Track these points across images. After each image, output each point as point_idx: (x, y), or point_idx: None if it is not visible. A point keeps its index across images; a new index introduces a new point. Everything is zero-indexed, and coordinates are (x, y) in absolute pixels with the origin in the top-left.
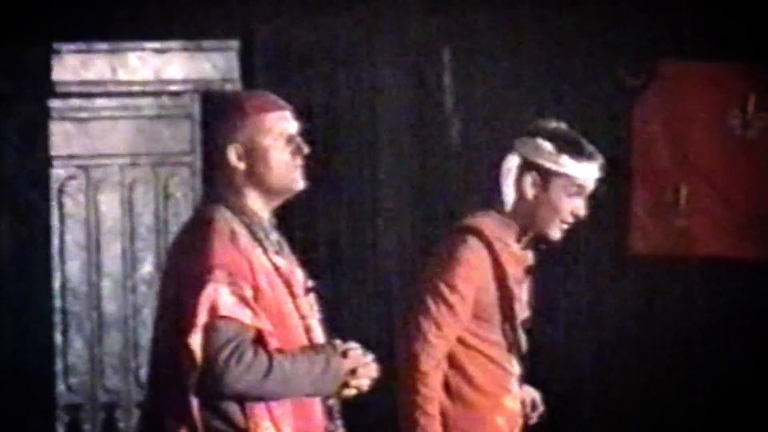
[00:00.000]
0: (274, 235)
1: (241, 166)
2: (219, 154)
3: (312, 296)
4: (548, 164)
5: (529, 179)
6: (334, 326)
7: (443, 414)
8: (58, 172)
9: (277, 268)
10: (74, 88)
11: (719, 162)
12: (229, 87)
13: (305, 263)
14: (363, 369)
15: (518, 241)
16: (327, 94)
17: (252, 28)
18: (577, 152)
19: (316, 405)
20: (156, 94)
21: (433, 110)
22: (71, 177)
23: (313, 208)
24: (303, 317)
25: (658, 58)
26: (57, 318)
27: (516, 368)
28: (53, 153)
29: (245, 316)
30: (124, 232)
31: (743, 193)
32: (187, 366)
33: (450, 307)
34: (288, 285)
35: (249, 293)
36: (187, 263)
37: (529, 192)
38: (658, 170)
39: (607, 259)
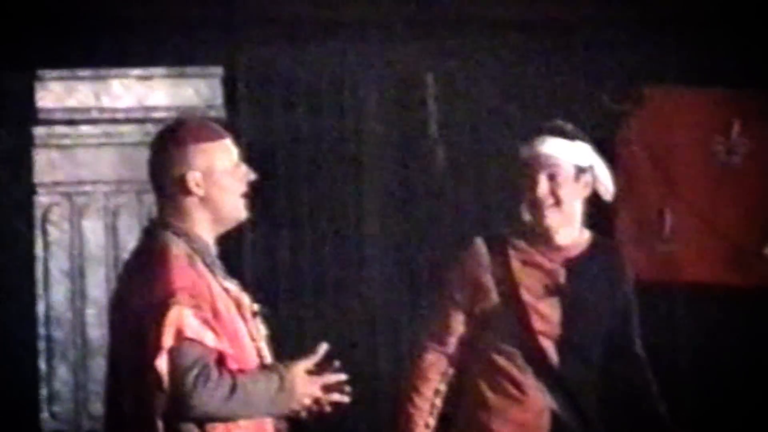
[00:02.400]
0: (218, 262)
1: (200, 192)
2: (175, 180)
3: (258, 320)
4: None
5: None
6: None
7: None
8: (41, 200)
9: (227, 291)
10: (58, 115)
11: (703, 188)
12: (212, 113)
13: (290, 289)
14: (320, 391)
15: (554, 256)
16: (311, 120)
17: (235, 56)
18: (528, 135)
19: (269, 424)
20: (140, 121)
21: (418, 135)
22: (55, 204)
23: (298, 233)
24: (254, 339)
25: (643, 85)
26: (41, 345)
27: (536, 383)
28: (37, 180)
29: (208, 337)
30: (109, 258)
31: (727, 219)
32: (153, 389)
33: (442, 310)
34: (239, 308)
35: (210, 315)
36: (147, 288)
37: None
38: (642, 195)
39: None
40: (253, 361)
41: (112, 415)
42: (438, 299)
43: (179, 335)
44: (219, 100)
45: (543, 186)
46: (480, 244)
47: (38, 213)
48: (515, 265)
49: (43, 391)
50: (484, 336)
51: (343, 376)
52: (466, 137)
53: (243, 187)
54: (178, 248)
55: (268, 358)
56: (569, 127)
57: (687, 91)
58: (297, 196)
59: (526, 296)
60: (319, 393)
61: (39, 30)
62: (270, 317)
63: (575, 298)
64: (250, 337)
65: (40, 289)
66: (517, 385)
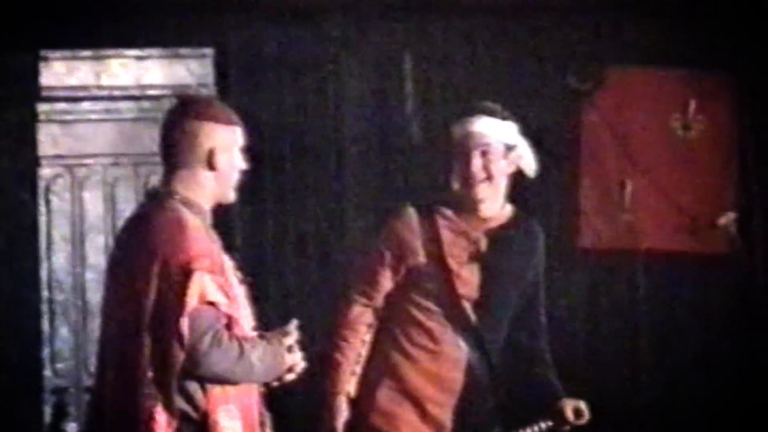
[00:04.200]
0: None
1: (221, 167)
2: (200, 153)
3: (244, 288)
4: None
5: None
6: (302, 317)
7: (370, 367)
8: (45, 172)
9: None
10: (60, 93)
11: (662, 162)
12: (204, 91)
13: (275, 258)
14: (297, 364)
15: (477, 226)
16: (295, 98)
17: (225, 37)
18: (457, 117)
19: (254, 391)
20: (137, 98)
21: (395, 113)
22: (57, 176)
23: (284, 203)
24: (245, 307)
25: (605, 65)
26: (44, 307)
27: (454, 339)
28: (40, 153)
29: (222, 303)
30: (107, 227)
31: (684, 191)
32: (173, 348)
33: (369, 266)
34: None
35: (223, 281)
36: (161, 252)
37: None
38: (604, 168)
39: (557, 252)
40: (248, 328)
41: (126, 373)
42: (368, 257)
43: (201, 299)
44: (210, 79)
45: (477, 162)
46: (411, 211)
47: (42, 184)
48: (443, 231)
49: (46, 350)
50: (408, 293)
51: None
52: (439, 114)
53: (237, 175)
54: (188, 216)
55: (251, 325)
56: (498, 107)
57: (646, 72)
58: (282, 169)
59: (451, 261)
60: (299, 363)
61: (42, 13)
62: (256, 281)
63: (494, 265)
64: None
65: (42, 255)
66: (435, 340)
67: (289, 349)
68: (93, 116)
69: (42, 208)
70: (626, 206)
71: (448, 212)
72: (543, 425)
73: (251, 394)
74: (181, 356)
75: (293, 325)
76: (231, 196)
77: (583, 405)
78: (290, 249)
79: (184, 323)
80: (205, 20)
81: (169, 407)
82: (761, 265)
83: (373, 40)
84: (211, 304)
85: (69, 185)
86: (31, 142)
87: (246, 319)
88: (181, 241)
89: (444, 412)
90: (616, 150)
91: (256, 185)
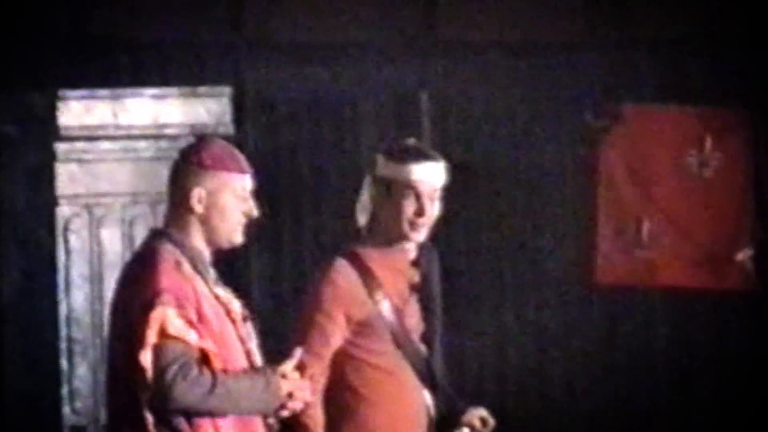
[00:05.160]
0: (212, 270)
1: (199, 209)
2: (182, 194)
3: (249, 324)
4: (385, 174)
5: (374, 193)
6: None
7: (333, 424)
8: (63, 210)
9: (217, 297)
10: (78, 132)
11: (678, 198)
12: (221, 130)
13: (293, 300)
14: (299, 392)
15: (402, 258)
16: (312, 136)
17: (243, 76)
18: (409, 157)
19: (258, 423)
20: (154, 137)
21: None
22: (76, 215)
23: (301, 239)
24: (243, 342)
25: (621, 102)
26: (63, 345)
27: (412, 377)
28: (59, 192)
29: (191, 336)
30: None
31: (701, 227)
32: (140, 382)
33: (318, 327)
34: (228, 312)
35: (194, 317)
36: (136, 289)
37: (378, 204)
38: (621, 205)
39: (575, 288)
40: (242, 363)
41: (111, 409)
42: (313, 319)
43: (162, 333)
44: (228, 117)
45: (429, 208)
46: (342, 261)
47: (60, 223)
48: (379, 273)
49: (65, 388)
50: (358, 343)
51: (309, 395)
52: (457, 152)
53: (244, 220)
54: (167, 253)
55: (259, 361)
56: (429, 149)
57: (662, 109)
58: (299, 207)
59: (395, 299)
60: (299, 393)
61: (61, 53)
62: (271, 318)
63: (425, 295)
64: (239, 340)
65: (61, 293)
66: (395, 381)
67: (284, 376)
68: (111, 155)
69: (60, 247)
70: (643, 242)
71: (374, 253)
72: None
73: (252, 427)
74: (146, 390)
75: (296, 353)
76: (234, 240)
77: (485, 412)
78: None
79: (145, 357)
80: (223, 59)
81: None
82: None
83: (389, 78)
84: (175, 338)
85: (87, 224)
86: (50, 181)
87: (242, 356)
88: (149, 278)
89: None
90: (632, 187)
91: (274, 225)
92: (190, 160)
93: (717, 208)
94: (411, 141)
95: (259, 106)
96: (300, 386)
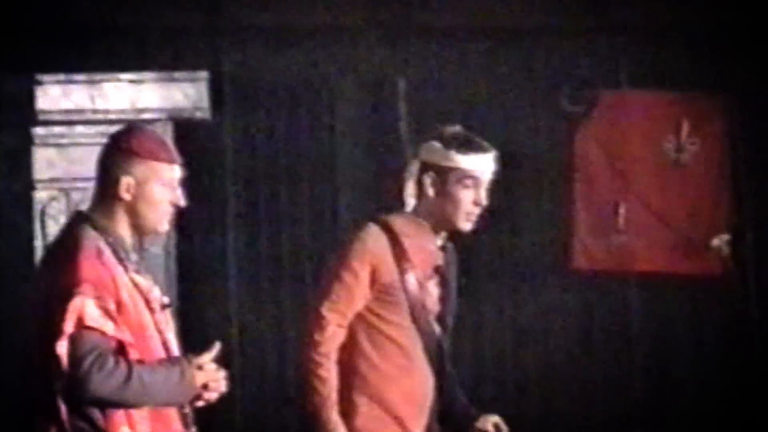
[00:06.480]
0: (134, 256)
1: (127, 198)
2: (110, 181)
3: (168, 312)
4: (440, 161)
5: (427, 179)
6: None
7: (344, 388)
8: (40, 195)
9: (136, 285)
10: (56, 117)
11: (655, 183)
12: (199, 114)
13: (270, 281)
14: (214, 383)
15: (431, 240)
16: (290, 120)
17: (220, 61)
18: (465, 147)
19: (173, 413)
20: (132, 122)
21: (388, 136)
22: (53, 199)
23: (278, 223)
24: (160, 331)
25: (598, 88)
26: None
27: (423, 354)
28: (36, 177)
29: (108, 327)
30: None
31: (677, 212)
32: (55, 371)
33: (344, 284)
34: (147, 301)
35: (112, 306)
36: (55, 277)
37: (430, 190)
38: (597, 190)
39: (550, 273)
40: (158, 353)
41: (27, 397)
42: (339, 274)
43: (80, 323)
44: (205, 102)
45: (483, 199)
46: (377, 228)
47: (37, 207)
48: (407, 247)
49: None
50: (377, 310)
51: (225, 386)
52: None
53: (171, 209)
54: (89, 240)
55: (175, 350)
56: (479, 138)
57: (639, 95)
58: (276, 190)
59: (419, 275)
60: (217, 381)
61: (38, 38)
62: (247, 299)
63: (447, 279)
64: (156, 329)
65: None
66: (408, 356)
67: (200, 367)
68: (88, 140)
69: (38, 232)
70: (620, 228)
71: (405, 228)
72: None
73: (167, 417)
74: (60, 379)
75: (214, 347)
76: (159, 229)
77: (499, 419)
78: (286, 271)
79: (61, 346)
80: (200, 43)
81: (60, 430)
82: (754, 286)
83: (367, 63)
84: (92, 329)
85: (65, 208)
86: (27, 166)
87: (159, 345)
88: (69, 266)
89: (420, 430)
90: (609, 172)
91: (251, 208)
92: (120, 147)
93: (693, 193)
94: (458, 128)
95: (237, 91)
96: (215, 377)
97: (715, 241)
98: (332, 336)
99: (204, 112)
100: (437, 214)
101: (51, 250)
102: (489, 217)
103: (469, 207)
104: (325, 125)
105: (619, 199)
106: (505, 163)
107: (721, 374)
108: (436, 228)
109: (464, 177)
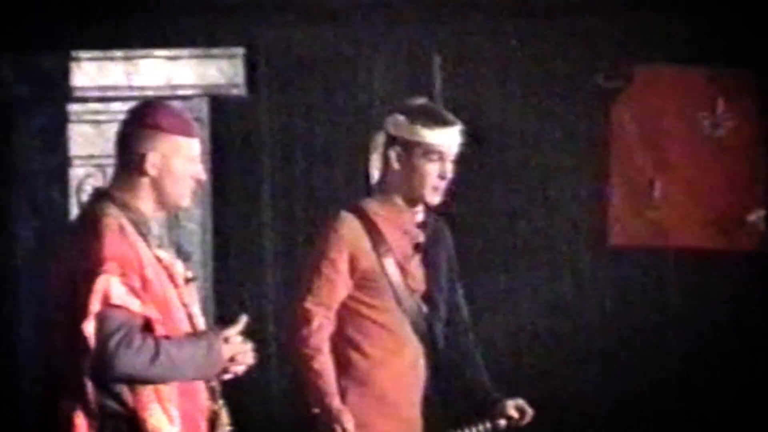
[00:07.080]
0: (156, 230)
1: (153, 173)
2: (135, 157)
3: (192, 286)
4: (406, 135)
5: (393, 153)
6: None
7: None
8: (76, 171)
9: (159, 260)
10: (92, 93)
11: (690, 159)
12: (234, 91)
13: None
14: (241, 356)
15: (409, 218)
16: (325, 97)
17: (256, 37)
18: (431, 121)
19: (200, 387)
20: (167, 98)
21: None
22: (89, 175)
23: (315, 205)
24: (185, 305)
25: (634, 64)
26: None
27: (411, 334)
28: (72, 153)
29: (134, 304)
30: None
31: (712, 187)
32: (82, 350)
33: (325, 276)
34: (170, 276)
35: (137, 283)
36: (79, 256)
37: (395, 164)
38: (633, 167)
39: (587, 250)
40: (184, 327)
41: (49, 376)
42: (318, 267)
43: (106, 302)
44: (240, 78)
45: (449, 173)
46: (347, 214)
47: (73, 183)
48: (384, 229)
49: None
50: (360, 296)
51: (252, 357)
52: (469, 115)
53: (192, 183)
54: (111, 218)
55: (201, 324)
56: (445, 110)
57: (675, 70)
58: (312, 167)
59: (398, 256)
60: (245, 353)
61: (74, 14)
62: (285, 274)
63: (430, 256)
64: (181, 303)
65: None
66: (396, 337)
67: (226, 340)
68: (124, 116)
69: (74, 208)
70: (655, 204)
71: (380, 210)
72: (489, 425)
73: (194, 391)
74: (87, 358)
75: (241, 320)
76: (182, 204)
77: (522, 402)
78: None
79: (88, 326)
80: (236, 20)
81: (86, 409)
82: None
83: (402, 39)
84: (118, 307)
85: (100, 184)
86: (63, 142)
87: (184, 319)
88: (93, 245)
89: (414, 411)
90: (645, 148)
91: (287, 185)
92: (145, 123)
93: (729, 169)
94: (423, 101)
95: (272, 67)
96: (242, 350)
97: (752, 217)
98: (319, 328)
99: (239, 89)
100: (403, 187)
101: (72, 229)
102: (523, 194)
103: (435, 180)
104: (361, 102)
105: (654, 174)
106: (540, 139)
107: (758, 350)
108: (407, 202)
109: (430, 151)
